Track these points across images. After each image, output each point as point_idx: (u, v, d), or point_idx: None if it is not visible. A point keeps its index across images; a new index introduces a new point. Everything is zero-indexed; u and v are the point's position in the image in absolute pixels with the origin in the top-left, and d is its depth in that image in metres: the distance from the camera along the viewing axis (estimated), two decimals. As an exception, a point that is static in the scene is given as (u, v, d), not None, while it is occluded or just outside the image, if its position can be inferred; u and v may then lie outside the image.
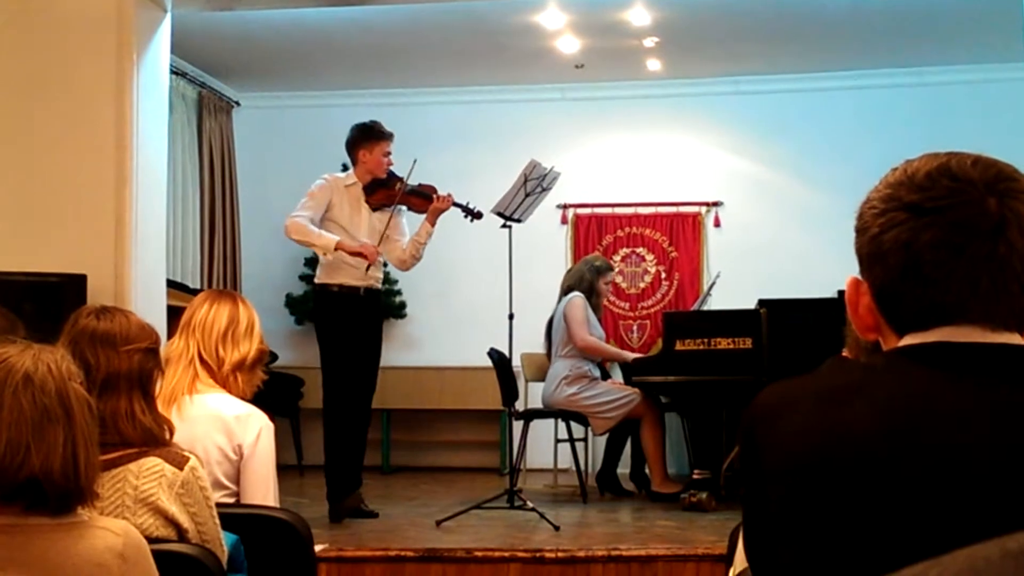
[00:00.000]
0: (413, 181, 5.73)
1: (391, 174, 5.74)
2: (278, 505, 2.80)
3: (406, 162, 5.66)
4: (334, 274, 5.59)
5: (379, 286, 5.81)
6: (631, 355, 6.65)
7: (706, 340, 5.90)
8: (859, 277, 1.23)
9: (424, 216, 5.74)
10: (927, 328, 1.17)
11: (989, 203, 1.14)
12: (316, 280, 5.75)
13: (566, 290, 6.60)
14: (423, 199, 5.79)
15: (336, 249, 5.49)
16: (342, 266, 5.56)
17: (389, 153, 5.72)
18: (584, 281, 6.56)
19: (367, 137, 5.71)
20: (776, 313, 5.96)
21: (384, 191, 5.72)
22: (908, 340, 1.18)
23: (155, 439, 2.28)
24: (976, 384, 1.11)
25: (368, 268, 5.54)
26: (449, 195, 5.74)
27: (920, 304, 1.16)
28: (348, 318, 5.57)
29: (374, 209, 5.70)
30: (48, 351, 1.76)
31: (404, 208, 5.80)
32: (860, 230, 1.21)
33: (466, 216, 5.85)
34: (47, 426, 1.68)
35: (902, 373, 1.15)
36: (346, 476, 5.57)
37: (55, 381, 1.71)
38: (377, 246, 5.59)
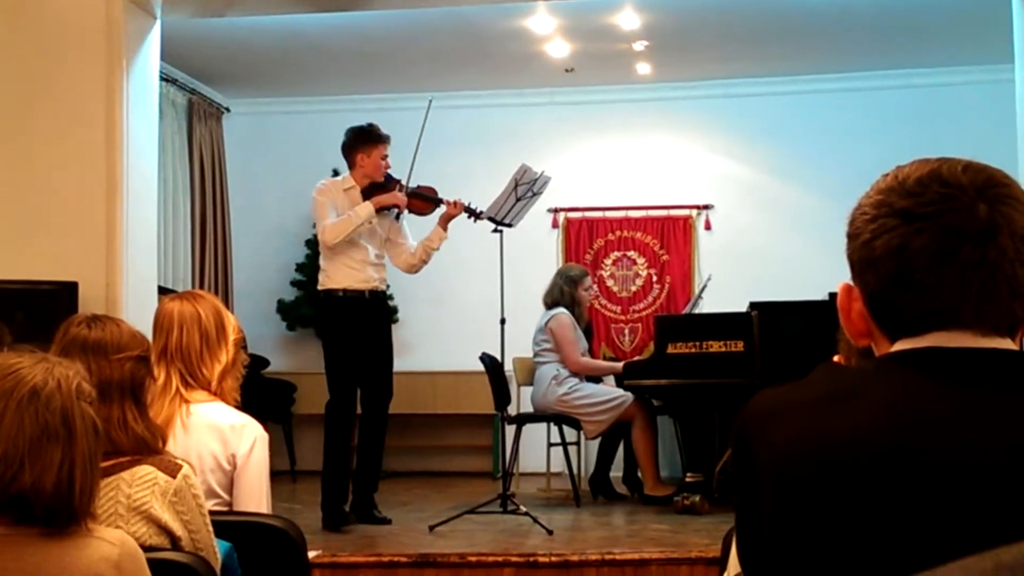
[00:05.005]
0: (412, 183, 5.72)
1: (388, 177, 5.69)
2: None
3: (399, 165, 5.65)
4: (338, 278, 5.52)
5: (383, 287, 5.72)
6: (620, 365, 6.65)
7: (698, 343, 5.91)
8: (851, 283, 1.23)
9: (426, 217, 5.76)
10: (919, 333, 1.17)
11: (979, 208, 1.14)
12: (320, 286, 5.65)
13: (550, 306, 6.63)
14: (424, 201, 5.77)
15: (377, 209, 5.50)
16: (345, 270, 5.51)
17: (386, 156, 5.67)
18: (565, 295, 6.60)
19: (365, 140, 5.64)
20: (767, 316, 5.97)
21: (384, 195, 5.67)
22: (900, 345, 1.19)
23: (148, 447, 2.27)
24: (968, 389, 1.12)
25: (398, 215, 5.62)
26: (459, 200, 5.75)
27: (912, 310, 1.17)
28: (355, 323, 5.50)
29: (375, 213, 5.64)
30: (63, 366, 1.74)
31: (406, 212, 5.76)
32: (851, 236, 1.21)
33: (469, 216, 5.83)
34: (46, 444, 1.66)
35: (894, 379, 1.15)
36: (364, 482, 5.58)
37: (62, 398, 1.69)
38: (384, 243, 5.66)
